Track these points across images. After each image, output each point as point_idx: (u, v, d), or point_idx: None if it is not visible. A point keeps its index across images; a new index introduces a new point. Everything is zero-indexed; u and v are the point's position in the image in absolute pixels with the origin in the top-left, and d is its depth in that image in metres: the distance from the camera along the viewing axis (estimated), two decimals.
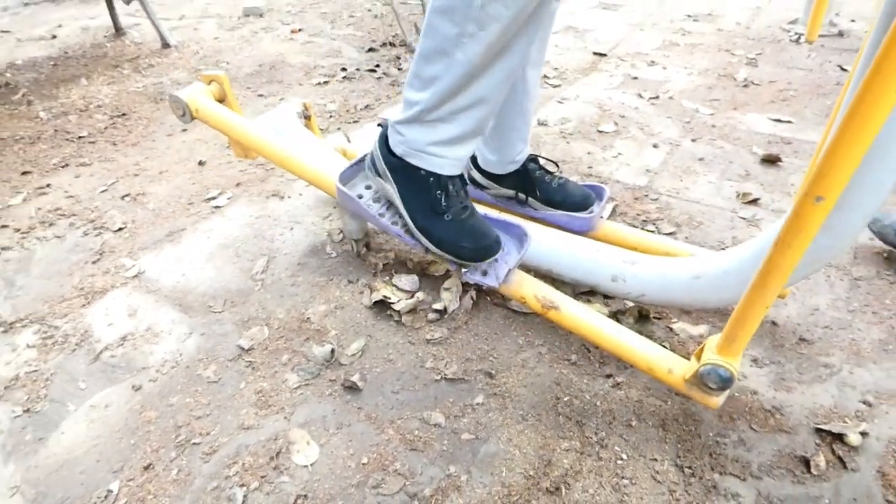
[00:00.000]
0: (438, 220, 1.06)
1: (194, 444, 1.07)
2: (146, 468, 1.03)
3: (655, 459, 0.99)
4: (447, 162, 1.04)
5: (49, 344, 1.31)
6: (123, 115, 2.45)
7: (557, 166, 1.46)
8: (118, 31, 3.51)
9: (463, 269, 1.09)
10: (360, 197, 1.16)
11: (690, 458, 0.98)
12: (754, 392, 1.09)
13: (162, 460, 1.05)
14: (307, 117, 1.58)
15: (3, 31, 3.76)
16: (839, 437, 0.99)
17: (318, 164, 1.30)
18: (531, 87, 1.25)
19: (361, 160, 1.21)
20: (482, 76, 0.91)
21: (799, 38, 2.79)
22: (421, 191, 1.06)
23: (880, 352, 1.17)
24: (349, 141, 1.77)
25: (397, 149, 1.06)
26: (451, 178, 1.06)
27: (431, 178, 1.05)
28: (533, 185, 1.36)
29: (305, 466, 1.02)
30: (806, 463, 0.96)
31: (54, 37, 3.60)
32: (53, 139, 2.27)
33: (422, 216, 1.08)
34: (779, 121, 2.07)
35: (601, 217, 1.40)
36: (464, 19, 0.83)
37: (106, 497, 0.99)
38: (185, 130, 2.29)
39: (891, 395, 1.07)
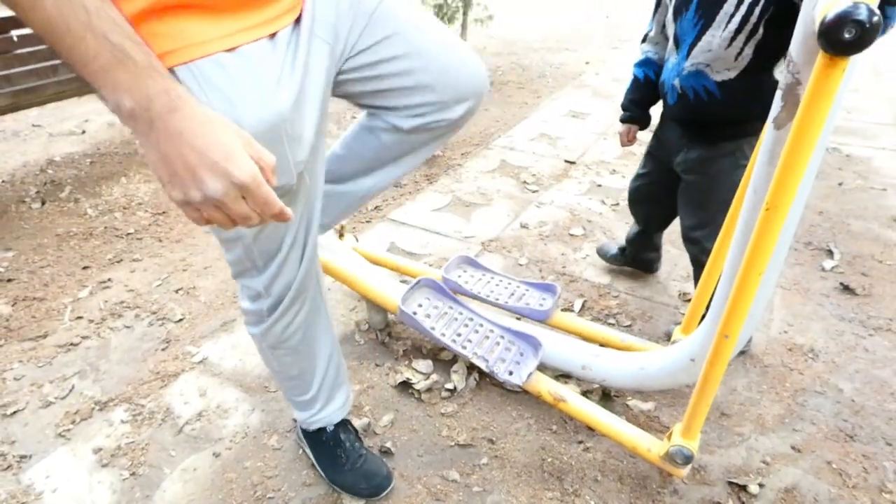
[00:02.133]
0: (341, 471, 1.40)
1: (269, 498, 1.41)
2: None
3: None
4: (327, 416, 1.38)
5: (139, 420, 1.64)
6: (163, 213, 2.84)
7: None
8: None
9: (494, 370, 1.47)
10: (415, 314, 1.58)
11: None
12: None
13: None
14: (341, 234, 1.99)
15: (34, 125, 4.17)
16: (743, 488, 1.38)
17: (378, 285, 1.75)
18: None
19: (417, 283, 1.64)
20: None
21: None
22: (326, 450, 1.42)
23: (779, 424, 1.58)
24: (357, 241, 2.17)
25: (302, 426, 1.44)
26: (341, 430, 1.41)
27: (331, 442, 1.40)
28: None
29: None
30: None
31: (83, 132, 4.01)
32: (104, 235, 2.64)
33: (330, 469, 1.41)
34: None
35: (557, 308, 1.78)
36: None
37: None
38: None
39: (783, 457, 1.48)
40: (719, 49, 1.39)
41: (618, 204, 2.82)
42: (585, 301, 2.11)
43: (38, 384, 1.76)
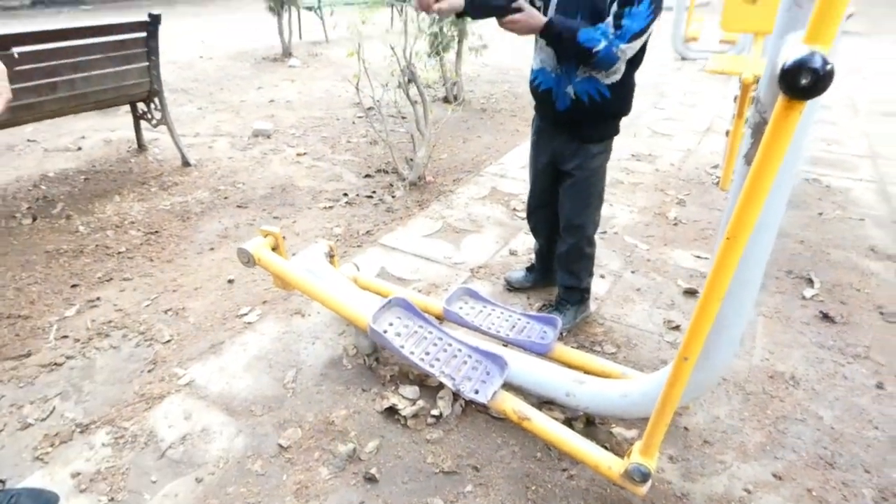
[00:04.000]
0: None
1: None
2: None
3: None
4: None
5: (121, 443, 1.63)
6: (156, 232, 2.85)
7: None
8: (141, 147, 3.97)
9: (460, 388, 1.49)
10: (385, 332, 1.59)
11: None
12: (668, 482, 1.50)
13: None
14: (331, 256, 2.01)
15: (29, 140, 4.19)
16: None
17: (351, 304, 1.75)
18: None
19: (388, 302, 1.65)
20: None
21: (718, 181, 3.43)
22: None
23: (761, 451, 1.59)
24: (358, 269, 2.21)
25: None
26: None
27: None
28: None
29: None
30: None
31: (79, 148, 4.03)
32: (95, 253, 2.64)
33: None
34: (699, 257, 2.61)
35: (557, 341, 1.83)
36: None
37: None
38: (212, 249, 2.70)
39: (765, 485, 1.49)
40: None
41: (605, 233, 2.86)
42: (571, 328, 2.13)
43: (17, 405, 1.75)
